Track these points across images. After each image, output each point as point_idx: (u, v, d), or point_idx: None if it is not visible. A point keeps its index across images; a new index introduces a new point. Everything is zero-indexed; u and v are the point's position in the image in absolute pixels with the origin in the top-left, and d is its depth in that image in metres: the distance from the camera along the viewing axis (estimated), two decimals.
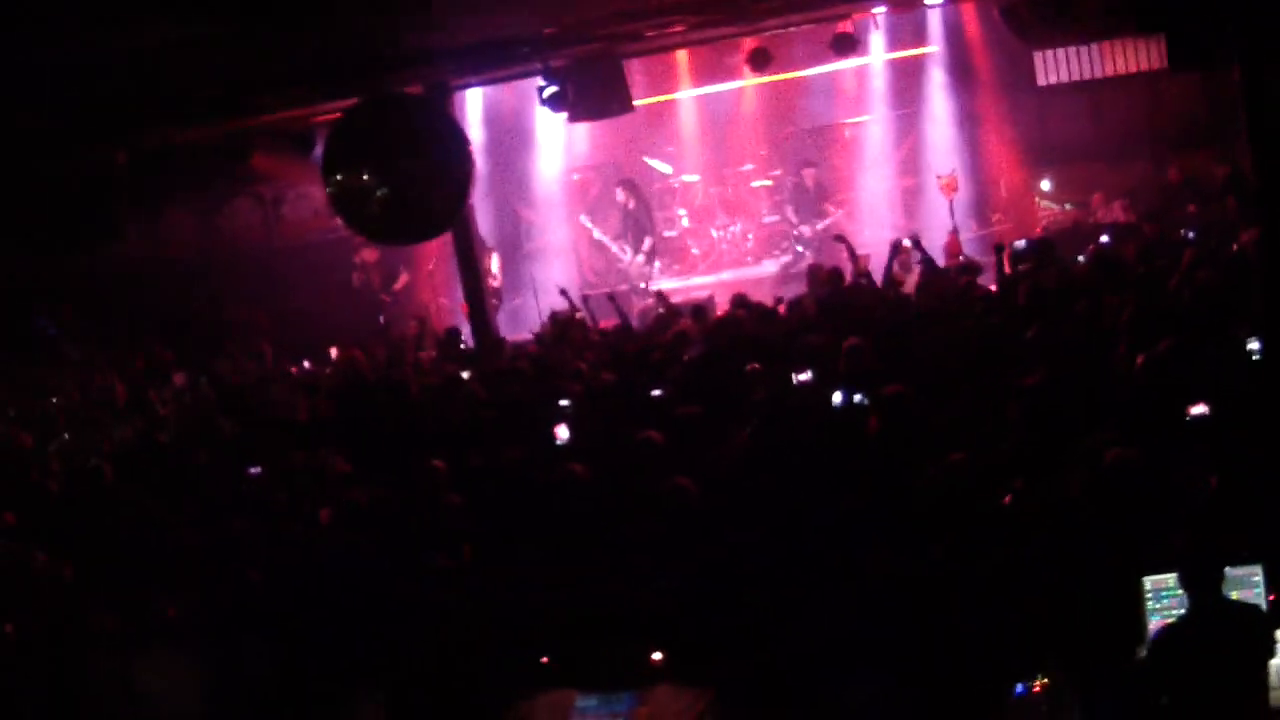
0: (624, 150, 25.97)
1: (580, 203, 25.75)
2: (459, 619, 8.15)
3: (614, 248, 23.98)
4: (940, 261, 17.25)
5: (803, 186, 23.95)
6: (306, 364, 19.22)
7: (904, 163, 25.13)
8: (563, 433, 12.04)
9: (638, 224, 23.80)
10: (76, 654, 8.62)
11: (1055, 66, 23.61)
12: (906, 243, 16.30)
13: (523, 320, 22.86)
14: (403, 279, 23.47)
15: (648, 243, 23.69)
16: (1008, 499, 8.13)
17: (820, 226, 23.73)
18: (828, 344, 12.64)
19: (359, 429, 13.30)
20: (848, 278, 16.58)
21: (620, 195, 24.13)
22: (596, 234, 24.32)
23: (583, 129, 23.96)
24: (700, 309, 17.38)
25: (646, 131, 25.76)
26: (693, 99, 26.07)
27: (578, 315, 17.64)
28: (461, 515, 9.91)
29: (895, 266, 16.39)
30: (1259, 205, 16.04)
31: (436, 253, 23.66)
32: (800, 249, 23.93)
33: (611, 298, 18.59)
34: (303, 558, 9.59)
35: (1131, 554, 7.28)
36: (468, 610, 8.27)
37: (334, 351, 19.07)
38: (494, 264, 23.07)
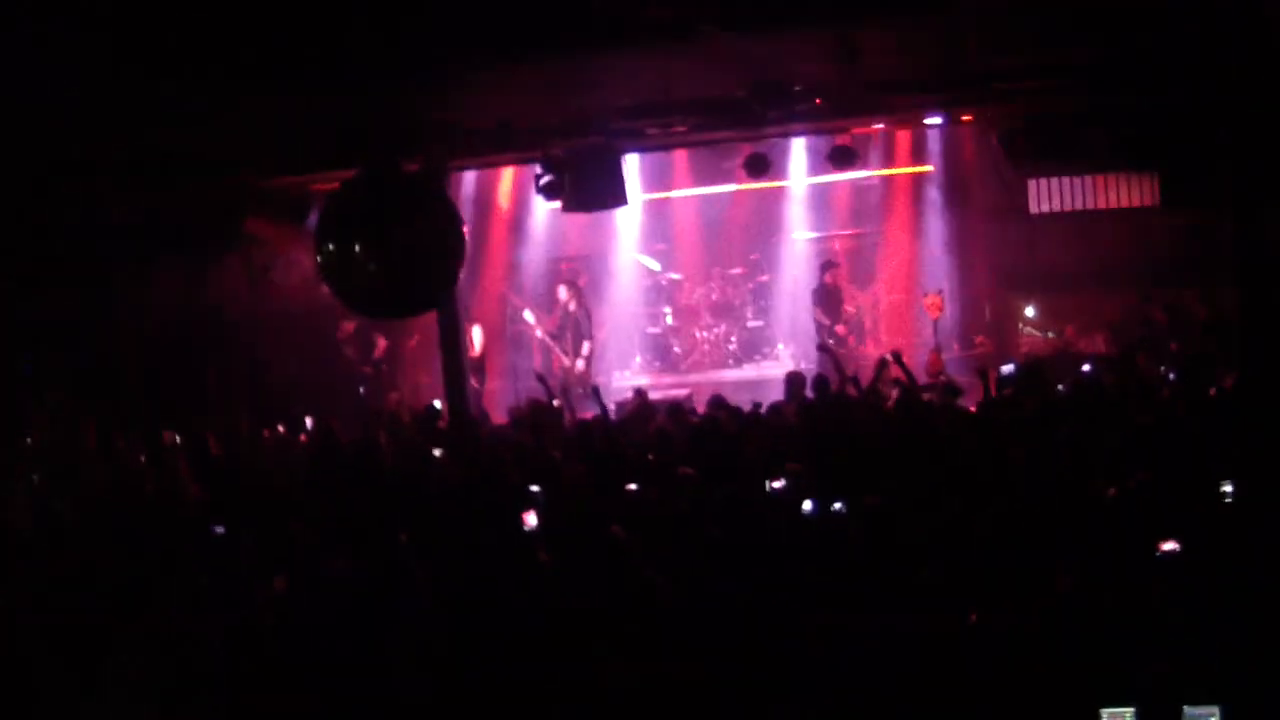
0: (614, 243, 26.13)
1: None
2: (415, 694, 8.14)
3: (556, 348, 23.56)
4: (921, 380, 17.29)
5: (825, 288, 23.96)
6: (280, 428, 19.14)
7: (892, 278, 25.28)
8: (531, 520, 12.00)
9: (577, 326, 23.37)
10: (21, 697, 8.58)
11: (1048, 195, 23.78)
12: (889, 358, 16.35)
13: (500, 402, 22.85)
14: (380, 346, 23.49)
15: (586, 347, 23.31)
16: (972, 618, 8.14)
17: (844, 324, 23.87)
18: (806, 450, 12.69)
19: (330, 499, 13.27)
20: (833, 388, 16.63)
21: (563, 294, 23.79)
22: (539, 333, 23.88)
23: (576, 219, 24.08)
24: (678, 408, 17.37)
25: (638, 227, 25.92)
26: (686, 199, 26.23)
27: (555, 403, 17.64)
28: (426, 593, 9.88)
29: (879, 383, 16.42)
30: (1241, 348, 16.22)
31: (420, 329, 23.68)
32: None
33: (565, 393, 18.53)
34: (259, 622, 9.56)
35: (1089, 684, 7.28)
36: (423, 687, 8.26)
37: (309, 420, 19.05)
38: (476, 336, 23.04)
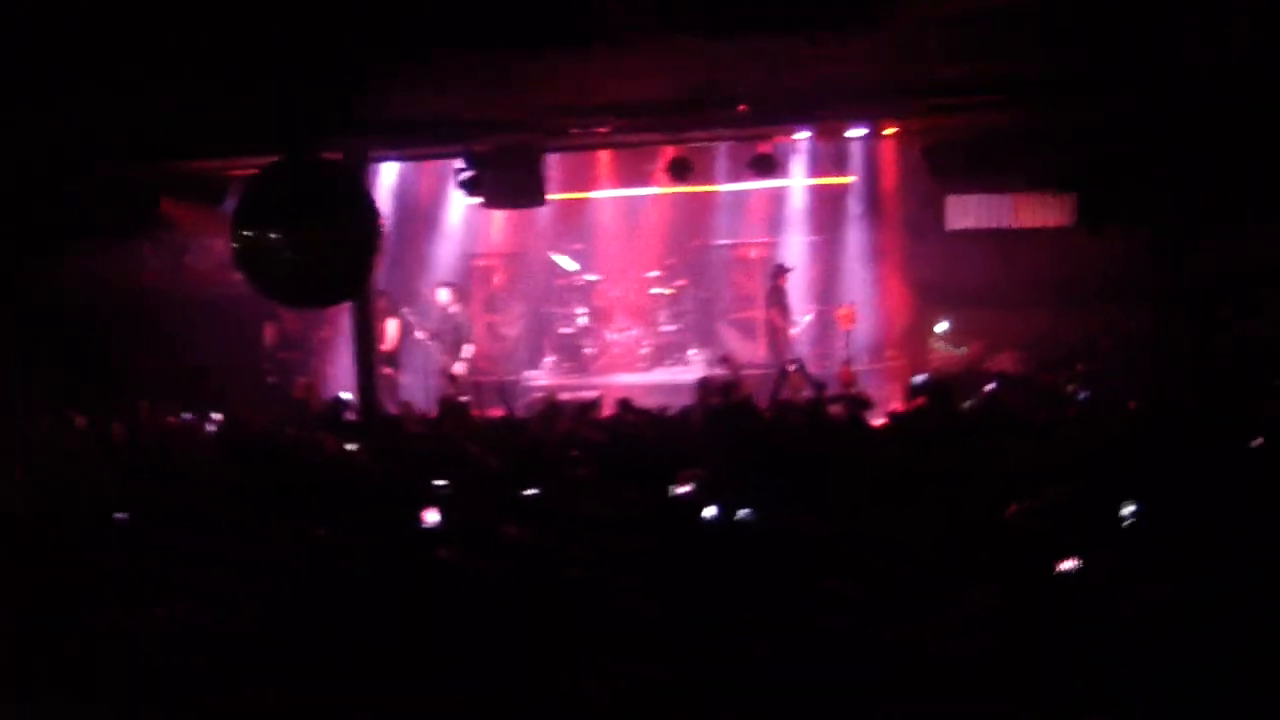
0: (532, 242, 26.16)
1: (482, 289, 25.90)
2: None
3: (434, 349, 23.42)
4: (833, 391, 17.40)
5: (780, 290, 24.07)
6: (186, 416, 18.97)
7: (807, 289, 25.41)
8: (432, 517, 11.96)
9: (457, 330, 23.20)
10: None
11: (965, 212, 23.98)
12: (791, 368, 16.47)
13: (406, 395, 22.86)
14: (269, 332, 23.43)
15: (467, 350, 23.16)
16: (880, 631, 8.21)
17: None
18: (709, 456, 12.74)
19: (239, 487, 13.19)
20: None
21: (443, 296, 23.48)
22: (418, 334, 23.59)
23: (494, 216, 24.11)
24: (586, 408, 17.39)
25: (557, 226, 25.96)
26: (606, 200, 26.30)
27: (462, 399, 17.64)
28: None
29: (784, 391, 16.53)
30: (1152, 368, 16.44)
31: (331, 321, 23.61)
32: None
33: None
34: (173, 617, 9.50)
35: (992, 700, 7.38)
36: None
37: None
38: (391, 329, 22.94)
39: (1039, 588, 8.55)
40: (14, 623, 8.97)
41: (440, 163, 23.89)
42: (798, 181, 25.14)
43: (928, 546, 9.50)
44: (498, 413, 17.38)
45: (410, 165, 24.07)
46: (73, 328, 21.50)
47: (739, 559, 9.72)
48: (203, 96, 15.62)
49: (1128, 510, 10.26)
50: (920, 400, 16.05)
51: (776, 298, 24.07)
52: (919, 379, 17.56)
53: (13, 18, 12.51)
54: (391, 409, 18.78)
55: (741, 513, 10.63)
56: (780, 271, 24.31)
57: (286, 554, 10.46)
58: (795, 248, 25.72)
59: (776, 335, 23.82)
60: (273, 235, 14.36)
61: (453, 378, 22.27)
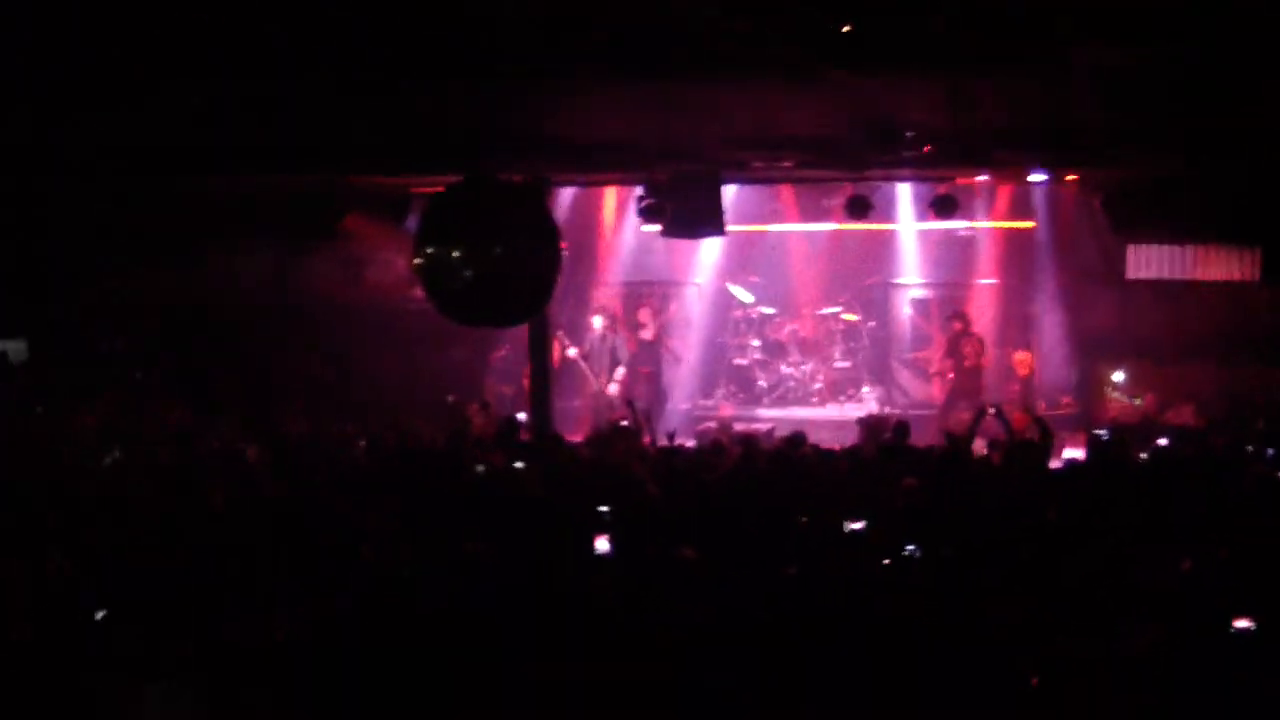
0: (710, 271, 26.19)
1: (658, 316, 25.95)
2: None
3: (587, 370, 23.39)
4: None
5: (954, 336, 24.02)
6: (349, 428, 19.10)
7: (985, 331, 25.15)
8: (603, 544, 11.94)
9: (613, 352, 23.35)
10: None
11: (1146, 262, 23.65)
12: (991, 411, 16.29)
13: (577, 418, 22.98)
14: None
15: (620, 372, 23.23)
16: (1034, 682, 8.11)
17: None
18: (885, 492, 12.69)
19: (407, 498, 13.28)
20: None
21: (596, 324, 23.75)
22: (571, 352, 23.48)
23: (670, 244, 24.14)
24: (754, 441, 17.30)
25: (734, 257, 25.94)
26: (784, 233, 26.23)
27: (625, 424, 17.67)
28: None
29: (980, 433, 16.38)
30: None
31: (510, 340, 23.77)
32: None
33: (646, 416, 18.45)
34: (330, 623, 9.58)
35: None
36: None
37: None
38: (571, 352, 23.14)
39: (1214, 644, 8.39)
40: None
41: (620, 189, 24.07)
42: (978, 224, 24.87)
43: (1099, 596, 9.37)
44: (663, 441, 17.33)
45: (587, 190, 24.16)
46: (248, 325, 21.85)
47: (912, 595, 9.65)
48: (389, 113, 15.82)
49: None
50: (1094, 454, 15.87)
51: (950, 346, 23.95)
52: (1101, 432, 17.33)
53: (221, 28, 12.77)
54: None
55: (909, 549, 10.56)
56: (955, 317, 24.14)
57: (439, 565, 10.54)
58: (974, 290, 25.45)
59: (948, 380, 23.71)
60: (454, 253, 14.47)
61: (605, 397, 22.35)
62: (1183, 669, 7.99)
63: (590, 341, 23.55)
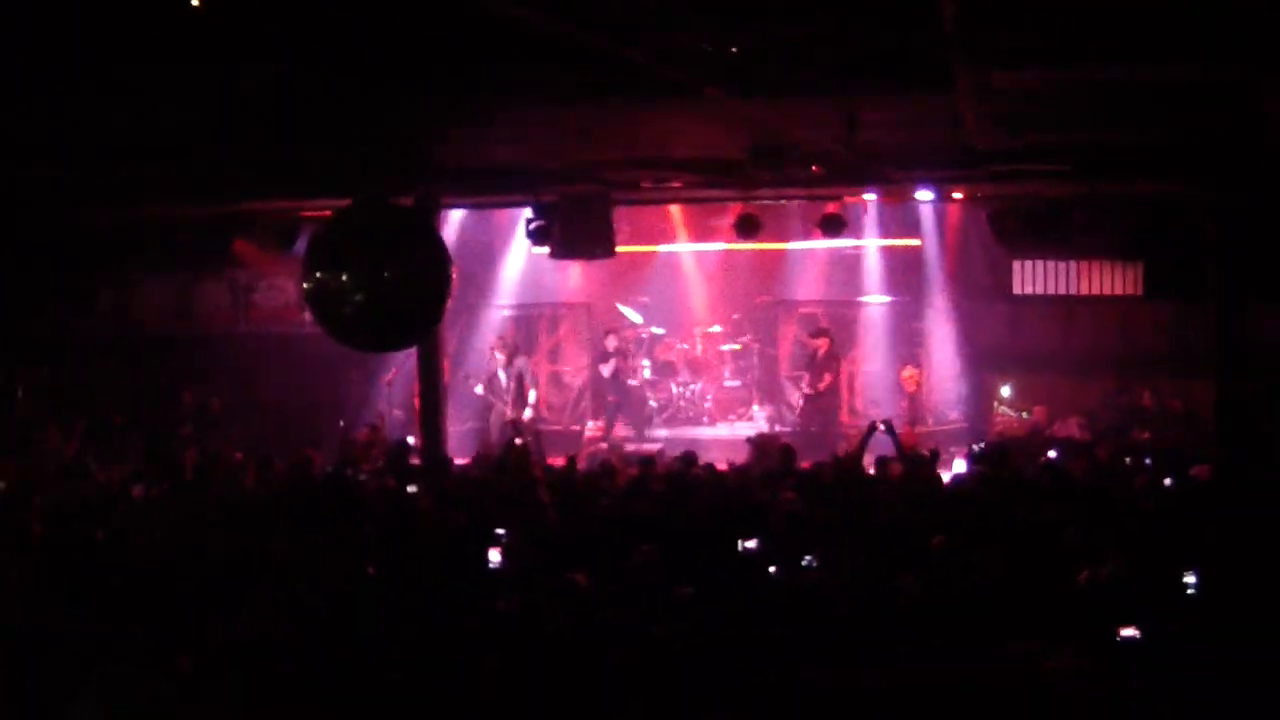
0: (598, 293, 26.28)
1: (546, 339, 25.99)
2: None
3: (495, 401, 23.02)
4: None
5: (813, 354, 24.12)
6: (238, 456, 18.98)
7: (872, 349, 25.37)
8: (495, 557, 12.00)
9: (520, 379, 23.02)
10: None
11: (1032, 278, 24.02)
12: (880, 428, 16.48)
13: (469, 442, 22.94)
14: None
15: (533, 395, 23.13)
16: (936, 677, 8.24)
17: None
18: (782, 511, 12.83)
19: (302, 523, 13.32)
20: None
21: (499, 355, 23.29)
22: (478, 389, 23.26)
23: (562, 266, 24.21)
24: (649, 462, 17.39)
25: (623, 278, 26.05)
26: (673, 254, 26.39)
27: (518, 442, 17.76)
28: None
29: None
30: (1216, 441, 16.39)
31: (399, 364, 23.74)
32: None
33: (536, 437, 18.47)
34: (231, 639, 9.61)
35: None
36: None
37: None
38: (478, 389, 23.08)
39: (1104, 652, 8.58)
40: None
41: (504, 212, 24.12)
42: (866, 242, 25.10)
43: (984, 608, 9.54)
44: (558, 461, 17.42)
45: (473, 214, 24.17)
46: (142, 356, 21.75)
47: (802, 612, 9.79)
48: (277, 139, 15.79)
49: (1190, 580, 10.29)
50: (979, 468, 16.10)
51: (808, 363, 24.27)
52: (978, 447, 17.61)
53: (96, 46, 12.68)
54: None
55: (805, 562, 10.70)
56: (819, 334, 24.26)
57: (337, 585, 10.59)
58: (858, 307, 25.68)
59: (810, 400, 23.88)
60: (343, 277, 14.46)
61: (517, 424, 22.32)
62: (1074, 679, 8.16)
63: (493, 369, 23.35)
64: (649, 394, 25.67)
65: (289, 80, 13.49)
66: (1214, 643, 8.83)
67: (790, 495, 13.29)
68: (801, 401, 24.21)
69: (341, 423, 22.66)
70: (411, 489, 15.40)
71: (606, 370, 24.14)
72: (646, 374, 25.74)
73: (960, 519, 12.57)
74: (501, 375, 22.93)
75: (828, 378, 23.85)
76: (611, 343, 24.44)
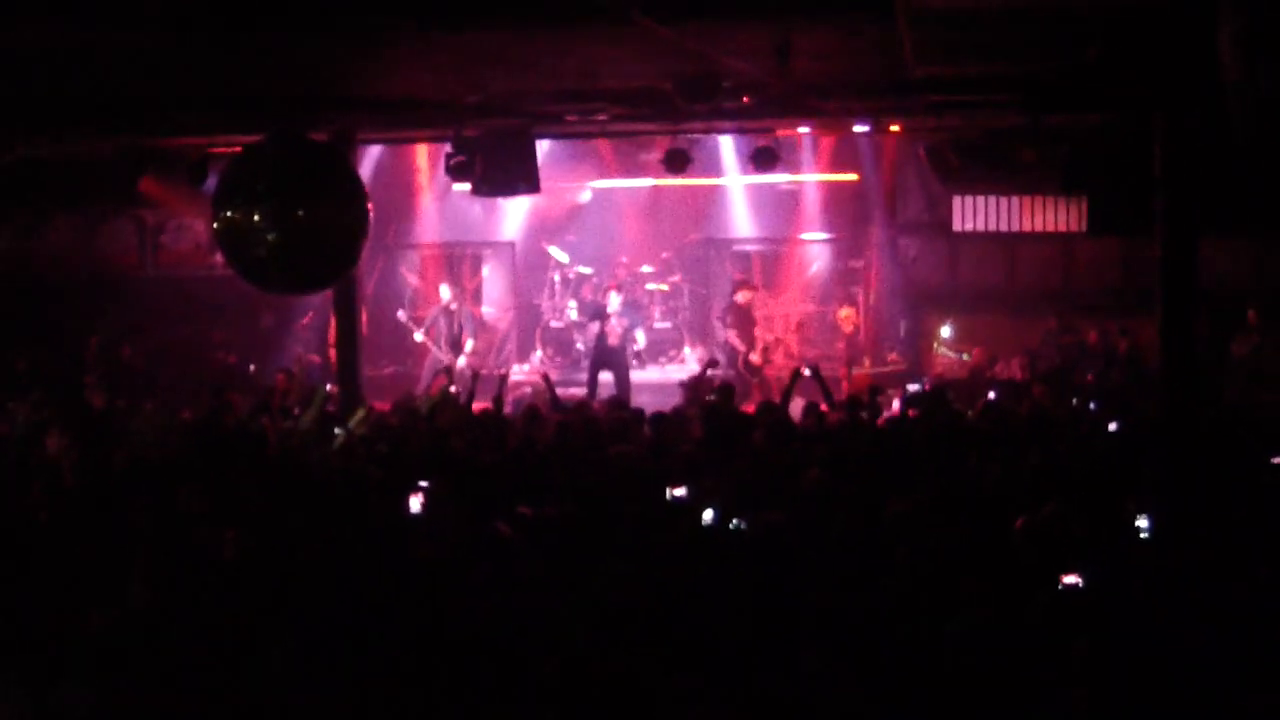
0: (523, 231, 26.15)
1: (470, 280, 25.85)
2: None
3: (432, 347, 22.89)
4: (839, 395, 17.35)
5: (738, 309, 23.96)
6: (148, 405, 18.79)
7: (806, 288, 25.35)
8: (415, 505, 11.87)
9: (460, 325, 22.89)
10: None
11: (973, 214, 24.03)
12: (806, 372, 16.41)
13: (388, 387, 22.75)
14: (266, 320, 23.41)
15: (470, 344, 22.89)
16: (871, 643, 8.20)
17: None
18: (707, 460, 12.73)
19: (217, 473, 13.12)
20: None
21: (446, 294, 23.12)
22: (418, 335, 23.16)
23: (485, 203, 24.02)
24: (580, 407, 17.23)
25: (548, 216, 25.92)
26: (600, 190, 26.26)
27: (453, 390, 17.60)
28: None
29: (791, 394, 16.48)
30: (1162, 379, 16.41)
31: (315, 306, 23.57)
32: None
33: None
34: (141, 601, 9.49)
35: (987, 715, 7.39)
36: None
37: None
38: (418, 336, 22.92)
39: (1041, 601, 8.56)
40: None
41: (431, 146, 23.95)
42: (798, 177, 25.02)
43: (922, 559, 9.50)
44: (481, 406, 17.27)
45: (391, 149, 23.97)
46: (44, 308, 21.48)
47: (734, 565, 9.73)
48: (185, 70, 15.56)
49: (1141, 524, 10.29)
50: (913, 411, 16.05)
51: (735, 318, 24.10)
52: (913, 387, 17.58)
53: None
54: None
55: (735, 521, 10.63)
56: (740, 285, 24.16)
57: (255, 543, 10.46)
58: (797, 246, 25.64)
59: (736, 358, 23.69)
60: (255, 217, 14.29)
61: (450, 370, 22.20)
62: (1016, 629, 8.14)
63: (434, 313, 23.20)
64: (576, 336, 25.52)
65: (197, 6, 13.29)
66: (1165, 587, 8.83)
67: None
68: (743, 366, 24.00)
69: (252, 367, 22.52)
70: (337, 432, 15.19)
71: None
72: (573, 315, 25.60)
73: (891, 469, 12.50)
74: (442, 320, 22.82)
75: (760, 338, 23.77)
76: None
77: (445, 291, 23.18)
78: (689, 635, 8.30)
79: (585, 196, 26.53)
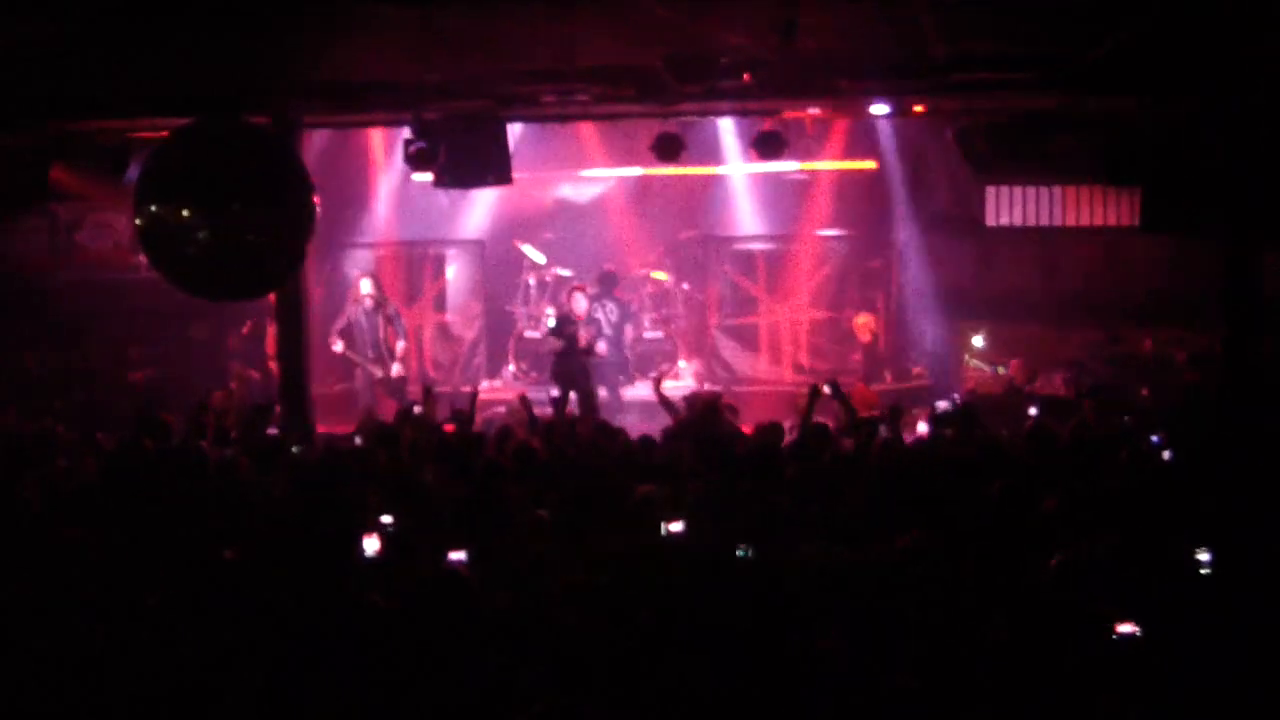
0: (494, 229, 26.09)
1: (432, 284, 25.80)
2: None
3: (356, 359, 22.87)
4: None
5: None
6: (59, 429, 18.75)
7: (817, 292, 25.27)
8: (371, 545, 11.84)
9: (387, 326, 22.94)
10: None
11: (1009, 207, 23.99)
12: (826, 389, 16.38)
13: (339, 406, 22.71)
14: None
15: (401, 347, 22.92)
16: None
17: None
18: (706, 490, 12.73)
19: (135, 505, 13.03)
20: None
21: (366, 288, 22.98)
22: (337, 346, 22.89)
23: (450, 196, 23.97)
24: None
25: (522, 210, 25.89)
26: (581, 181, 26.24)
27: (416, 410, 17.54)
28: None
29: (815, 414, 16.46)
30: (1225, 396, 16.36)
31: (254, 314, 23.51)
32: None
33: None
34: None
35: None
36: None
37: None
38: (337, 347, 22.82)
39: (1092, 655, 8.53)
40: None
41: (388, 132, 23.91)
42: (810, 165, 24.98)
43: (957, 600, 9.50)
44: (449, 427, 17.21)
45: (341, 135, 23.92)
46: None
47: (733, 601, 9.73)
48: (104, 46, 15.54)
49: (1202, 558, 10.24)
50: (945, 431, 16.01)
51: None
52: (942, 405, 17.51)
53: None
54: None
55: (740, 552, 10.64)
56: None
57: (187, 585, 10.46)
58: (807, 244, 25.58)
59: None
60: (184, 212, 14.26)
61: (388, 384, 22.13)
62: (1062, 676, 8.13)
63: (356, 317, 23.01)
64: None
65: None
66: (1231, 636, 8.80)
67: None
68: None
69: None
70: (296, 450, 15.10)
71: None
72: (551, 324, 25.52)
73: (915, 498, 12.48)
74: (364, 321, 22.77)
75: None
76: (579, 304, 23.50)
77: (366, 285, 23.02)
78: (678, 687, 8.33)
79: (564, 189, 26.49)
